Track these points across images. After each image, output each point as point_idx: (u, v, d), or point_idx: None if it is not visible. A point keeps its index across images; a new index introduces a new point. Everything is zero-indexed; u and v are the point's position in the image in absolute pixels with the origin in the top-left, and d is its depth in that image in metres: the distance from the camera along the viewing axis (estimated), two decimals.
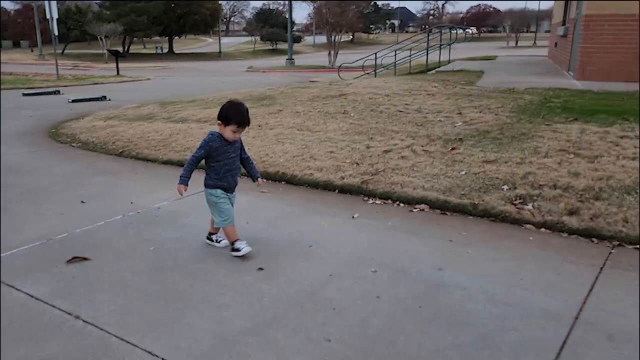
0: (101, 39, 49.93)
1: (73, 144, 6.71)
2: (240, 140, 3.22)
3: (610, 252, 3.27)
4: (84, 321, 2.42)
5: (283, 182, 4.83)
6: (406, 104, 7.00)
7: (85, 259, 3.10)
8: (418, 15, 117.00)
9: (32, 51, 51.67)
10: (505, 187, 4.21)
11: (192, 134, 6.50)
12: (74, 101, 11.64)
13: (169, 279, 2.89)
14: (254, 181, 3.33)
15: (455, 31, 17.62)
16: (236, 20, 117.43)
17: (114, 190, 4.61)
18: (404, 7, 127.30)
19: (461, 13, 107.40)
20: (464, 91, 8.08)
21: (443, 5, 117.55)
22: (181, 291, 2.75)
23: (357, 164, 4.96)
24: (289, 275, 2.94)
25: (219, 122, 3.07)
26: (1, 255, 3.18)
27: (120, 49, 61.14)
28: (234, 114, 3.04)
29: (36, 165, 5.55)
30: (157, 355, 2.18)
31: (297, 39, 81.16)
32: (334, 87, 8.86)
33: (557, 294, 2.73)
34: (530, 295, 2.72)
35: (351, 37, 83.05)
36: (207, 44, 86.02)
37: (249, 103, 8.47)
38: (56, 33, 16.15)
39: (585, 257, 3.20)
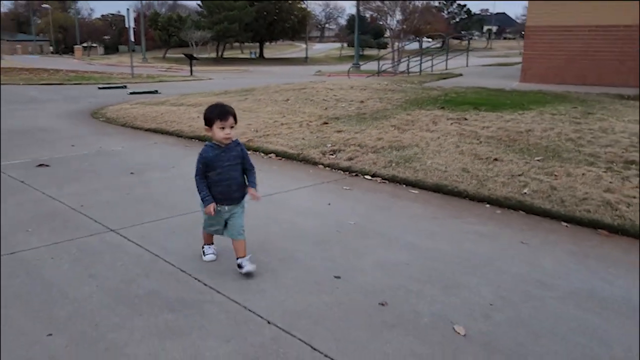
0: (192, 45, 55.18)
1: (100, 119, 9.52)
2: (244, 152, 3.12)
3: (344, 178, 5.28)
4: (38, 190, 4.94)
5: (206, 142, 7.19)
6: (334, 95, 9.09)
7: (46, 165, 5.67)
8: (518, 20, 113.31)
9: (145, 55, 57.64)
10: (330, 145, 6.26)
11: (175, 113, 9.04)
12: (132, 93, 14.76)
13: (85, 175, 5.36)
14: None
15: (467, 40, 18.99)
16: (331, 27, 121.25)
17: (97, 142, 7.22)
18: (503, 13, 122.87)
19: None
20: (395, 88, 9.96)
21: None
22: (89, 178, 5.20)
23: (257, 131, 7.19)
24: (149, 176, 5.29)
25: (206, 128, 3.03)
26: (12, 163, 5.83)
27: (213, 54, 66.99)
28: (211, 111, 3.00)
29: (64, 129, 8.34)
30: (60, 199, 4.62)
31: (384, 45, 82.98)
32: (305, 84, 11.08)
33: (275, 189, 4.82)
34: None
35: (441, 43, 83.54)
36: (300, 49, 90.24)
37: (233, 94, 10.97)
38: (132, 39, 19.82)
39: (326, 180, 5.23)
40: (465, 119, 6.82)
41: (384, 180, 5.13)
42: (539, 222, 3.97)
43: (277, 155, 6.22)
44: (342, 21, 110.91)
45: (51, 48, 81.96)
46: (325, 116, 7.64)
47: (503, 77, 13.09)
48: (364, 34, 78.47)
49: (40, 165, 5.69)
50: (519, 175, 4.75)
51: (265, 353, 2.25)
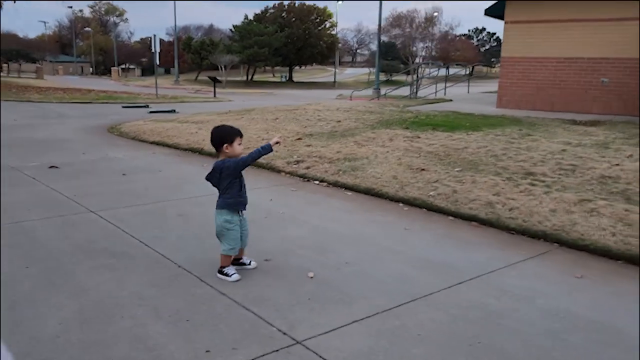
0: (221, 68, 57.52)
1: (115, 133, 10.83)
2: None
3: (297, 182, 6.31)
4: (44, 184, 6.14)
5: (197, 153, 8.34)
6: (319, 116, 10.18)
7: (56, 167, 6.89)
8: None
9: (178, 77, 60.01)
10: (296, 156, 7.31)
11: (179, 129, 10.27)
12: (151, 112, 16.17)
13: (85, 175, 6.54)
14: None
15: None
16: (363, 52, 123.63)
17: (105, 151, 8.45)
18: None
19: None
20: (376, 110, 11.00)
21: None
22: (87, 177, 6.37)
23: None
24: (137, 177, 6.43)
25: (226, 145, 3.28)
26: (28, 165, 7.07)
27: (244, 77, 69.42)
28: (230, 130, 3.36)
29: (80, 140, 9.64)
30: (59, 191, 5.79)
31: (412, 71, 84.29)
32: (299, 106, 12.22)
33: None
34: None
35: (470, 70, 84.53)
36: (330, 73, 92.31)
37: (233, 113, 12.19)
38: (158, 63, 21.48)
39: (280, 183, 6.28)
40: (419, 137, 7.79)
41: (328, 185, 6.14)
42: (430, 216, 4.92)
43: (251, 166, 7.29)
44: (374, 47, 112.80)
45: (91, 69, 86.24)
46: (302, 133, 8.72)
47: (488, 103, 13.97)
48: (392, 60, 79.82)
49: (51, 167, 6.92)
50: (434, 182, 5.70)
51: (166, 280, 3.29)
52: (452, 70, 39.33)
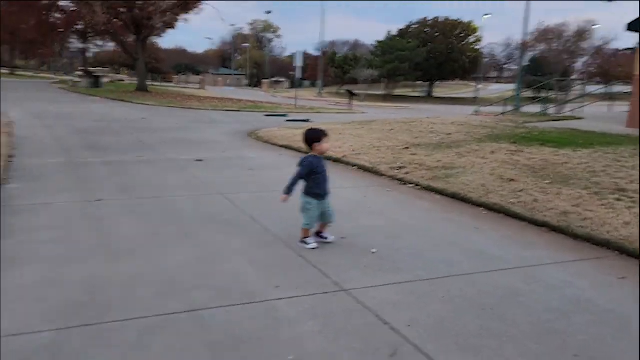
0: (361, 82, 59.50)
1: (252, 137, 12.43)
2: None
3: (394, 185, 7.05)
4: (190, 172, 7.65)
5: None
6: (432, 128, 10.71)
7: (201, 160, 8.40)
8: None
9: (322, 90, 63.21)
10: (399, 163, 8.04)
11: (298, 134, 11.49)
12: (288, 121, 17.86)
13: (221, 167, 7.94)
14: None
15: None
16: (512, 68, 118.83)
17: (241, 151, 9.92)
18: None
19: None
20: (489, 125, 11.17)
21: None
22: (222, 169, 7.76)
23: (354, 150, 9.24)
24: (261, 172, 7.67)
25: (315, 144, 4.16)
26: (181, 158, 8.70)
27: (384, 91, 70.91)
28: (318, 131, 4.22)
29: (224, 141, 11.30)
30: (199, 177, 7.23)
31: (565, 88, 78.93)
32: (416, 119, 12.82)
33: (336, 186, 6.81)
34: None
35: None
36: (472, 89, 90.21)
37: (355, 124, 13.20)
38: (299, 76, 23.39)
39: (379, 185, 7.07)
40: (521, 152, 8.05)
41: (421, 189, 6.79)
42: (505, 220, 5.36)
43: (358, 167, 8.19)
44: (523, 61, 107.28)
45: (246, 81, 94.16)
46: (411, 143, 9.40)
47: (619, 122, 13.24)
48: (541, 76, 75.31)
49: (198, 160, 8.46)
50: (519, 191, 6.07)
51: (263, 244, 4.28)
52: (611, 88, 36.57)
